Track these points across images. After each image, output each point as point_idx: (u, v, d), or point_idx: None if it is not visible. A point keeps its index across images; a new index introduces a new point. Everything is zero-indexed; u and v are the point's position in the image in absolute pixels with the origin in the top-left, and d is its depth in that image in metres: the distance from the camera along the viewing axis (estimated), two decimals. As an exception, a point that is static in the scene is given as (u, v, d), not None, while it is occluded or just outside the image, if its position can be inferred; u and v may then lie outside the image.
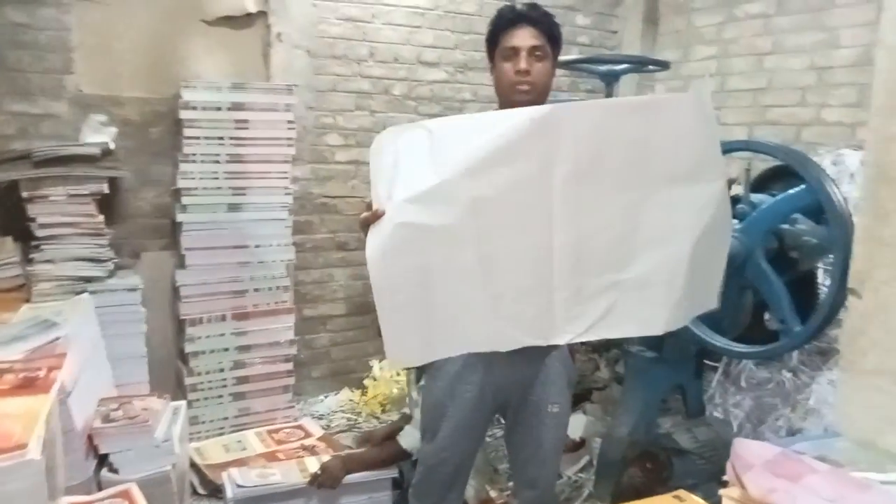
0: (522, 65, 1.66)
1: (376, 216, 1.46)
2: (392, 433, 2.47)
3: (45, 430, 1.53)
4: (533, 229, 1.45)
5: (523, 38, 1.68)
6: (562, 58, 2.99)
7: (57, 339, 2.07)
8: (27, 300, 2.57)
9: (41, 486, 1.46)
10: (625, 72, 2.90)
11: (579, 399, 3.00)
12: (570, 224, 1.44)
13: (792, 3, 3.41)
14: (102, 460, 2.12)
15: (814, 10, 3.32)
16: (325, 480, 2.30)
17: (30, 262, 2.63)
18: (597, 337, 1.52)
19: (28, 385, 1.69)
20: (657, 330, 1.51)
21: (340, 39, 3.45)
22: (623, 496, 2.35)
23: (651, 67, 3.16)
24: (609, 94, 2.93)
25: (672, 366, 2.42)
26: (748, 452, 1.13)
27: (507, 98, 1.72)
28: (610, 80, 2.90)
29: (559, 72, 3.77)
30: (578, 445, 2.78)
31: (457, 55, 3.74)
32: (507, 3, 1.77)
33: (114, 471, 2.08)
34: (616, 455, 2.35)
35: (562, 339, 1.50)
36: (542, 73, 1.68)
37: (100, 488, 2.02)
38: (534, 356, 1.69)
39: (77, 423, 2.02)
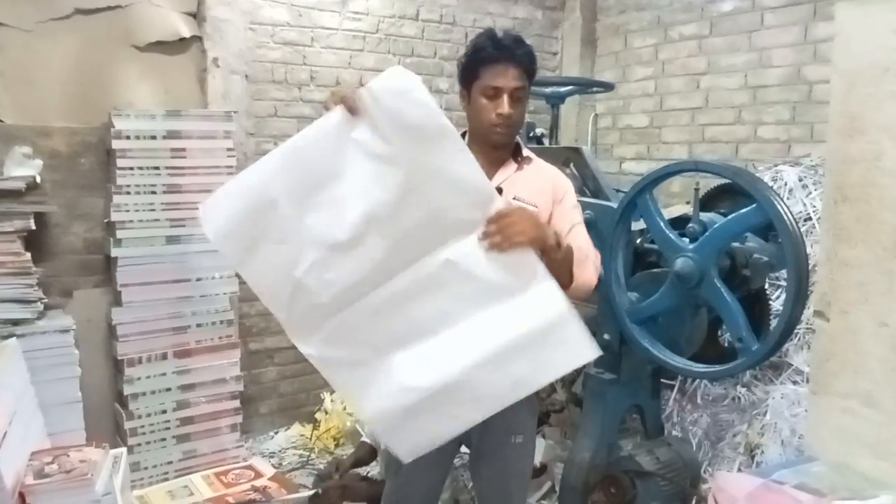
0: (505, 109, 1.61)
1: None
2: (358, 462, 2.40)
3: (-30, 497, 1.39)
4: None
5: (507, 79, 1.61)
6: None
7: (-19, 391, 1.91)
8: (-54, 348, 2.37)
9: (-32, 560, 1.33)
10: (570, 93, 2.93)
11: (537, 423, 2.97)
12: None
13: (723, 24, 3.52)
14: (36, 521, 1.96)
15: (745, 32, 3.44)
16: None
17: (-52, 306, 2.43)
18: None
19: (-51, 446, 1.54)
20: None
21: (279, 64, 3.37)
22: (586, 522, 2.33)
23: (595, 89, 3.20)
24: (555, 116, 2.95)
25: (629, 386, 2.42)
26: (730, 486, 1.11)
27: (484, 135, 1.68)
28: (555, 102, 2.92)
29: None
30: (539, 471, 2.74)
31: (399, 78, 3.71)
32: (488, 31, 1.68)
33: (49, 532, 1.92)
34: (578, 480, 2.32)
35: None
36: (521, 113, 1.66)
37: (33, 552, 1.87)
38: None
39: (7, 481, 1.86)
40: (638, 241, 2.32)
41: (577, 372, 3.00)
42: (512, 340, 1.46)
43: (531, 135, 2.77)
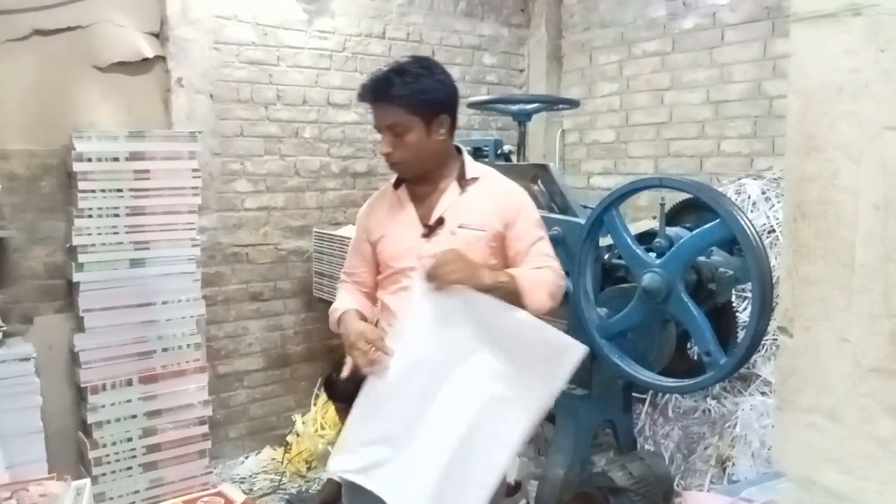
0: (383, 148, 1.67)
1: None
2: (324, 501, 2.35)
3: (-79, 539, 1.34)
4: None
5: (380, 117, 1.66)
6: (473, 98, 3.06)
7: (-65, 426, 1.84)
8: None
9: None
10: (536, 111, 2.95)
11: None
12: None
13: (685, 41, 3.59)
14: (-7, 560, 1.89)
15: (706, 48, 3.50)
16: None
17: None
18: None
19: None
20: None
21: (245, 83, 3.34)
22: (562, 540, 2.32)
23: (561, 106, 3.23)
24: (522, 133, 2.97)
25: (601, 401, 2.42)
26: (700, 504, 1.11)
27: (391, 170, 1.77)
28: (522, 119, 2.94)
29: (470, 111, 3.82)
30: (514, 489, 2.72)
31: (367, 96, 3.70)
32: (374, 72, 1.70)
33: (7, 571, 1.86)
34: (553, 498, 2.31)
35: None
36: (408, 147, 1.64)
37: (-9, 593, 1.80)
38: None
39: (-39, 521, 1.79)
40: (606, 256, 2.34)
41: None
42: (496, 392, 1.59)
43: (499, 152, 2.78)
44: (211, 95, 3.23)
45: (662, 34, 3.68)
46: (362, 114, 3.68)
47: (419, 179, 1.73)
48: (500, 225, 1.70)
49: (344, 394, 2.20)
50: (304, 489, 3.07)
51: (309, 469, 3.22)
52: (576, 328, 2.32)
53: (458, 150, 1.78)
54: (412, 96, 1.61)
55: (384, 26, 3.74)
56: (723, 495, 1.18)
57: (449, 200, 1.71)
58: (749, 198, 2.87)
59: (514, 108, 2.90)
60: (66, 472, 2.17)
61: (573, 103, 3.04)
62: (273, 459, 3.33)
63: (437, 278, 1.54)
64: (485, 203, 1.71)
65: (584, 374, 2.35)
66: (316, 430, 3.32)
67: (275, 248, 3.49)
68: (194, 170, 2.97)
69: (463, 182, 1.72)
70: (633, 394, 2.56)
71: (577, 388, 2.37)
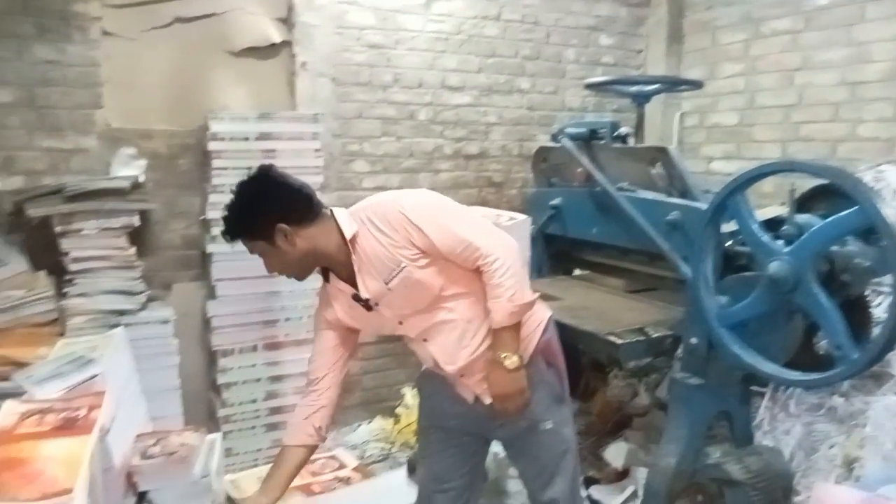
0: (266, 270, 1.79)
1: None
2: None
3: (88, 471, 1.50)
4: None
5: (246, 249, 1.79)
6: (591, 79, 3.01)
7: (94, 376, 2.04)
8: (61, 334, 2.55)
9: (86, 530, 1.43)
10: (656, 92, 2.87)
11: (619, 426, 2.94)
12: None
13: (820, 18, 3.37)
14: (141, 498, 2.09)
15: (843, 25, 3.27)
16: None
17: (63, 296, 2.62)
18: None
19: (69, 426, 1.66)
20: None
21: (365, 66, 3.45)
22: (671, 529, 2.29)
23: (683, 87, 3.12)
24: (640, 115, 2.90)
25: (717, 392, 2.35)
26: (832, 498, 1.07)
27: None
28: (641, 101, 2.87)
29: (585, 92, 3.77)
30: (621, 475, 2.70)
31: (481, 78, 3.73)
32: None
33: (152, 509, 2.04)
34: (663, 486, 2.27)
35: None
36: (276, 263, 1.74)
37: (138, 528, 1.99)
38: None
39: (115, 461, 1.98)
40: (728, 243, 2.25)
41: (662, 375, 2.95)
42: None
43: (615, 134, 2.73)
44: (332, 79, 3.36)
45: (794, 11, 3.47)
46: (476, 96, 3.71)
47: (331, 268, 1.77)
48: (407, 250, 1.65)
49: None
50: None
51: (417, 440, 3.32)
52: (693, 316, 2.26)
53: (331, 214, 1.75)
54: (240, 231, 1.74)
55: (500, 8, 3.74)
56: (856, 489, 1.12)
57: (358, 270, 1.70)
58: (888, 185, 2.68)
59: (633, 89, 2.84)
60: (198, 427, 2.37)
61: (696, 84, 2.93)
62: (383, 429, 3.46)
63: (512, 413, 1.69)
64: (377, 247, 1.67)
65: (701, 364, 2.29)
66: (423, 405, 3.41)
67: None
68: (317, 150, 3.10)
69: (350, 248, 1.69)
70: (752, 387, 2.47)
71: (693, 377, 2.31)
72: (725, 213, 2.13)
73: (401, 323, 1.75)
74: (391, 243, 1.64)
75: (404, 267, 1.64)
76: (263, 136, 2.99)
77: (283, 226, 1.67)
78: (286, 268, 1.75)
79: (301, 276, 1.80)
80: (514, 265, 1.64)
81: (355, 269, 1.69)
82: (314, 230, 1.70)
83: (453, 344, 1.72)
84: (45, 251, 2.67)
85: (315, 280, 3.02)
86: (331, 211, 1.74)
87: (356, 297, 1.74)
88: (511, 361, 1.62)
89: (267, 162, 1.77)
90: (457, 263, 1.67)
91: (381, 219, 1.66)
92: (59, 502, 1.39)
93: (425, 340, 1.76)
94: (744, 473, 2.15)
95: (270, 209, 1.68)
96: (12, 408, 1.77)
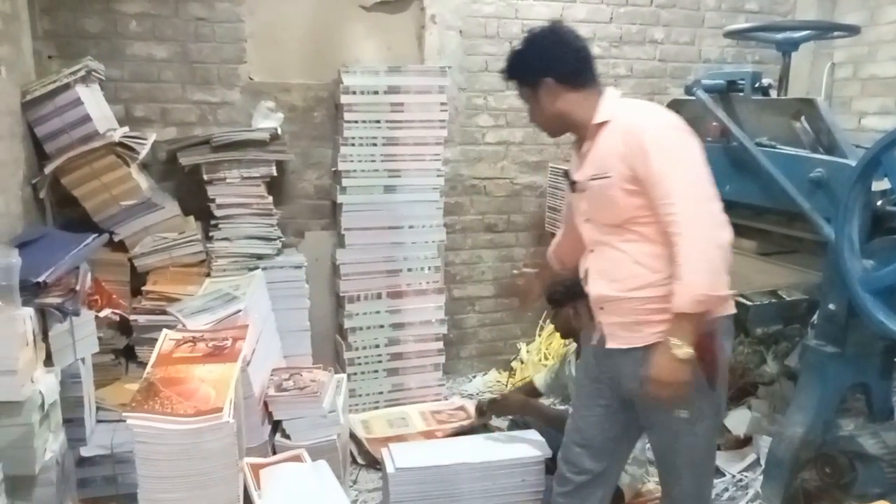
0: (530, 117, 1.85)
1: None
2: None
3: (234, 395, 1.65)
4: None
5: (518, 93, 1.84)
6: (732, 27, 2.83)
7: (238, 311, 2.24)
8: (208, 274, 2.79)
9: (233, 446, 1.59)
10: (805, 39, 2.65)
11: (743, 394, 2.83)
12: None
13: None
14: (276, 426, 2.28)
15: None
16: (496, 409, 2.69)
17: (209, 239, 2.85)
18: None
19: (218, 353, 1.84)
20: None
21: (493, 18, 3.42)
22: (794, 499, 2.20)
23: (837, 34, 2.86)
24: (786, 65, 2.70)
25: (855, 362, 2.20)
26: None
27: None
28: (787, 50, 2.66)
29: (724, 42, 3.55)
30: (743, 443, 2.62)
31: (612, 29, 3.60)
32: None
33: (286, 436, 2.23)
34: (788, 456, 2.18)
35: None
36: (538, 113, 1.79)
37: (274, 452, 2.18)
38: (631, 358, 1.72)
39: (255, 390, 2.17)
40: (879, 202, 2.08)
41: (792, 344, 2.80)
42: None
43: (756, 85, 2.55)
44: (460, 31, 3.36)
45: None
46: (605, 48, 3.60)
47: (577, 135, 1.80)
48: (625, 168, 1.61)
49: (554, 298, 2.39)
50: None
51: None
52: (833, 280, 2.12)
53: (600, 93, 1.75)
54: (515, 73, 1.79)
55: (635, -46, 3.57)
56: None
57: (585, 152, 1.74)
58: None
59: (780, 36, 2.63)
60: (327, 367, 2.53)
61: (853, 30, 2.67)
62: (498, 381, 3.54)
63: (668, 398, 1.61)
64: (609, 146, 1.66)
65: (838, 331, 2.15)
66: (540, 360, 3.44)
67: (511, 182, 3.60)
68: (442, 104, 3.15)
69: (592, 130, 1.71)
70: (895, 359, 2.29)
71: (828, 346, 2.17)
72: (878, 169, 1.96)
73: (587, 220, 1.79)
74: (617, 152, 1.65)
75: (610, 177, 1.65)
76: (392, 90, 3.06)
77: (550, 81, 1.72)
78: (541, 120, 1.81)
79: (553, 133, 1.86)
80: (710, 250, 1.55)
81: (583, 149, 1.76)
82: (577, 97, 1.73)
83: (610, 271, 1.72)
84: (194, 197, 2.91)
85: (432, 234, 3.09)
86: (603, 90, 1.78)
87: (567, 173, 1.86)
88: (683, 351, 1.55)
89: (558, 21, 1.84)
90: (658, 213, 1.62)
91: (627, 126, 1.66)
92: (211, 419, 1.55)
93: (592, 251, 1.79)
94: (879, 448, 2.02)
95: (543, 62, 1.73)
96: (169, 336, 1.97)
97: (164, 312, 2.40)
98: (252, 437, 2.10)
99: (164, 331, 1.97)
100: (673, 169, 1.57)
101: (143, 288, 2.66)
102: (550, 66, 1.72)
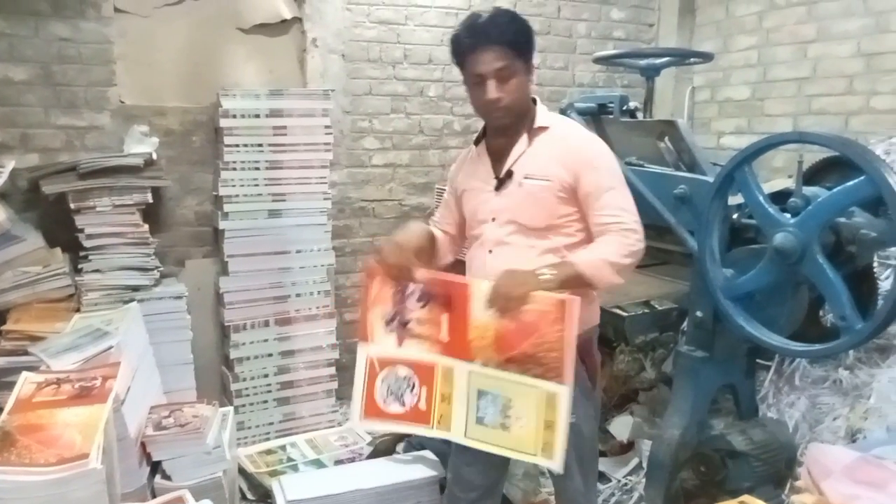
0: (492, 94, 1.63)
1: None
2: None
3: (103, 438, 1.55)
4: None
5: (487, 62, 1.62)
6: (601, 53, 2.99)
7: (109, 348, 2.11)
8: (77, 309, 2.62)
9: (102, 493, 1.49)
10: (666, 65, 2.84)
11: (625, 400, 2.96)
12: None
13: (837, -13, 3.30)
14: (155, 467, 2.15)
15: (860, -6, 3.21)
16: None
17: (78, 272, 2.67)
18: None
19: (85, 395, 1.72)
20: None
21: (374, 42, 3.45)
22: (675, 499, 2.31)
23: (693, 60, 3.09)
24: (650, 89, 2.88)
25: (723, 365, 2.36)
26: (826, 458, 1.09)
27: (487, 120, 1.77)
28: (651, 75, 2.85)
29: (595, 67, 3.74)
30: (626, 448, 2.73)
31: (491, 54, 3.71)
32: (468, 16, 1.71)
33: (167, 477, 2.11)
34: (667, 457, 2.30)
35: None
36: (514, 91, 1.65)
37: (153, 495, 2.05)
38: None
39: (130, 431, 2.04)
40: (735, 216, 2.25)
41: (668, 350, 2.96)
42: None
43: (624, 108, 2.71)
44: (343, 55, 3.36)
45: (811, -20, 3.41)
46: (486, 72, 3.70)
47: (497, 133, 1.76)
48: (567, 175, 1.68)
49: None
50: None
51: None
52: (699, 288, 2.27)
53: (534, 101, 1.78)
54: (518, 34, 1.64)
55: (510, -17, 3.71)
56: (850, 449, 1.14)
57: (518, 152, 1.73)
58: (901, 158, 2.65)
59: (643, 62, 2.82)
60: (211, 401, 2.42)
61: (707, 56, 2.90)
62: (393, 404, 3.50)
63: (502, 309, 1.55)
64: (551, 153, 1.70)
65: (707, 337, 2.30)
66: (434, 379, 3.45)
67: (399, 203, 3.61)
68: (327, 127, 3.12)
69: (531, 132, 1.73)
70: (758, 360, 2.48)
71: (698, 350, 2.32)
72: (733, 185, 2.12)
73: (493, 220, 1.75)
74: (561, 160, 1.67)
75: (549, 182, 1.67)
76: (274, 113, 3.01)
77: (534, 62, 1.71)
78: (514, 99, 1.66)
79: (509, 117, 1.69)
80: (632, 251, 1.65)
81: (517, 149, 1.71)
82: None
83: (514, 263, 1.65)
84: (60, 228, 2.72)
85: (321, 257, 3.05)
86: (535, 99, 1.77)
87: (496, 175, 1.76)
88: (546, 278, 1.54)
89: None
90: (588, 224, 1.69)
91: (573, 139, 1.70)
92: (75, 466, 1.45)
93: (490, 252, 1.76)
94: (746, 444, 2.17)
95: (534, 43, 1.71)
96: (29, 378, 1.82)
97: (26, 353, 2.22)
98: (128, 482, 1.97)
99: (24, 374, 1.82)
100: (619, 186, 1.69)
101: (2, 328, 2.45)
102: (534, 49, 1.72)
